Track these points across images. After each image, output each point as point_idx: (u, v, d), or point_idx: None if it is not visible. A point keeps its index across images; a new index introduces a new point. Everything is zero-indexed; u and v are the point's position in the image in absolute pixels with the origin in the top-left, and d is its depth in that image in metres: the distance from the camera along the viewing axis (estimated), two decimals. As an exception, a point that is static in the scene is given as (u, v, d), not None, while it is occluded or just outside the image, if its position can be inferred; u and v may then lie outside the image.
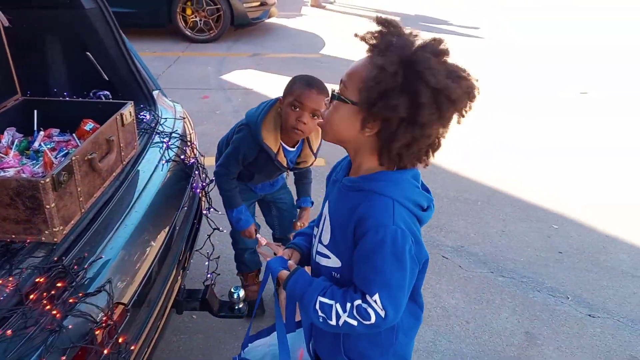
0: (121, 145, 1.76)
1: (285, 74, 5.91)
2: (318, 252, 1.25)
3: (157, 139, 2.13)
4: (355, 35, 1.14)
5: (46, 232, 1.35)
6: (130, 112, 1.82)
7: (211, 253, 2.26)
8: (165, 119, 2.29)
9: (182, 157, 2.10)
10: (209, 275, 2.20)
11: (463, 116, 1.07)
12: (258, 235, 2.23)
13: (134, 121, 1.87)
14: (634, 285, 2.69)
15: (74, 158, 1.45)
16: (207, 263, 2.25)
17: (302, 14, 8.93)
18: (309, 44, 7.19)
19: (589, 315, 2.48)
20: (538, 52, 7.00)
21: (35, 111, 1.96)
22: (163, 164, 1.99)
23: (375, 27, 1.12)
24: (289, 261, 1.28)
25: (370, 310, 1.09)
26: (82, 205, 1.52)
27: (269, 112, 2.03)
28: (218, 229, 2.33)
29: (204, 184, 2.27)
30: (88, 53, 2.22)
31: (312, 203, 2.39)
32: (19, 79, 2.00)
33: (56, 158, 1.70)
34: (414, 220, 1.12)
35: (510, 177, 3.71)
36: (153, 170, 1.92)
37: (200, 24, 6.97)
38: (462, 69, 1.07)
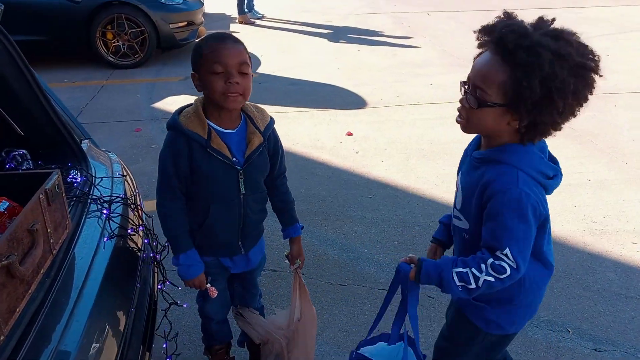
0: (49, 230, 1.35)
1: (223, 97, 5.52)
2: (454, 216, 1.50)
3: (93, 207, 1.72)
4: (477, 40, 1.30)
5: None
6: (57, 185, 1.41)
7: (169, 332, 1.88)
8: (101, 178, 1.88)
9: (128, 229, 1.70)
10: None
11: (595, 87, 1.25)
12: (208, 285, 1.84)
13: (63, 195, 1.46)
14: (630, 307, 2.55)
15: (-18, 271, 1.04)
16: (165, 345, 1.87)
17: (231, 32, 8.54)
18: (243, 63, 6.81)
19: (595, 349, 2.30)
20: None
21: None
22: (105, 242, 1.59)
23: (491, 26, 1.26)
24: (409, 255, 1.48)
25: (504, 264, 1.28)
26: (0, 331, 1.11)
27: (185, 107, 1.69)
28: (176, 303, 1.94)
29: (157, 253, 1.88)
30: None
31: (303, 227, 1.96)
32: None
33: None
34: (539, 188, 1.30)
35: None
36: (93, 253, 1.51)
37: (124, 48, 6.42)
38: (584, 44, 1.23)
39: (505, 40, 1.20)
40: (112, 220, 1.65)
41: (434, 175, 3.83)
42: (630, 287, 2.69)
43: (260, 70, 6.47)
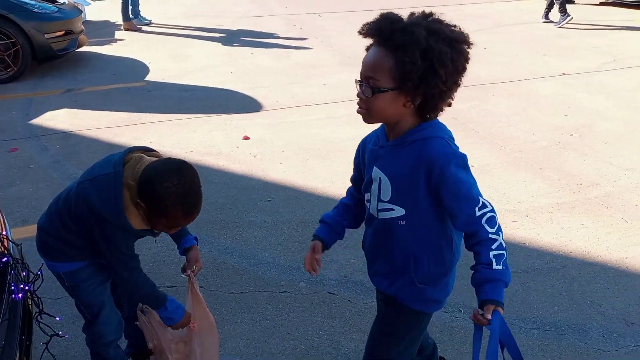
0: None
1: (110, 108, 5.24)
2: (380, 210, 1.51)
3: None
4: (359, 32, 1.39)
5: None
6: None
7: (53, 367, 1.74)
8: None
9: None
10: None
11: (469, 58, 1.38)
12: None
13: None
14: (513, 282, 2.71)
15: None
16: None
17: (117, 40, 8.12)
18: (131, 71, 6.51)
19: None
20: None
21: None
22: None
23: (371, 21, 1.37)
24: (477, 312, 1.37)
25: (489, 213, 1.39)
26: None
27: (125, 198, 1.61)
28: (57, 334, 1.80)
29: (28, 284, 1.72)
30: None
31: (197, 239, 1.98)
32: None
33: None
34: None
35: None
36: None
37: (-6, 62, 5.88)
38: (452, 24, 1.39)
39: (382, 28, 1.33)
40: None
41: (330, 174, 3.88)
42: (512, 262, 2.86)
43: (148, 78, 6.22)
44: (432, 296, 1.58)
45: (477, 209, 1.38)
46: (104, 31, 8.54)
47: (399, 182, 1.45)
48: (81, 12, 7.07)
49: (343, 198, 1.77)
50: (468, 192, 1.39)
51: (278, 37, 8.18)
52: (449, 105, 1.44)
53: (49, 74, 6.34)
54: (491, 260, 1.36)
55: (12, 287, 1.65)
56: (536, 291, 2.70)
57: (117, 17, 8.85)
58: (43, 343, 1.78)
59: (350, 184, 1.75)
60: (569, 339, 2.40)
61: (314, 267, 1.67)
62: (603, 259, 2.94)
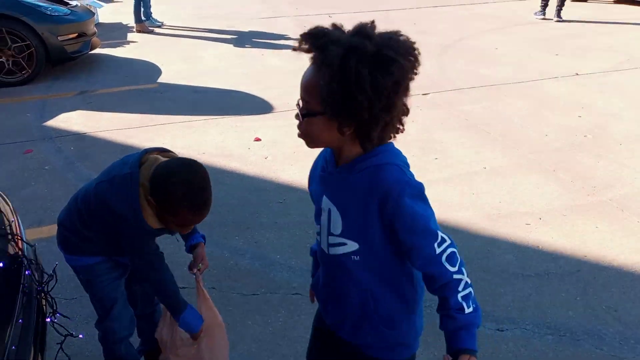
0: None
1: (123, 110, 5.27)
2: (330, 244, 1.33)
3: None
4: (294, 49, 1.19)
5: None
6: None
7: (67, 366, 1.76)
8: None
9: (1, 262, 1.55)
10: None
11: (406, 79, 1.16)
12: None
13: None
14: (527, 286, 2.71)
15: None
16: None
17: (129, 42, 8.18)
18: (144, 73, 6.55)
19: (498, 329, 2.42)
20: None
21: None
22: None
23: (305, 35, 1.17)
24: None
25: (449, 249, 1.23)
26: None
27: (141, 199, 1.64)
28: (71, 334, 1.82)
29: (42, 284, 1.74)
30: None
31: (204, 237, 1.99)
32: None
33: None
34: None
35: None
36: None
37: (8, 64, 5.95)
38: (396, 39, 1.16)
39: (307, 43, 1.16)
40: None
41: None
42: (526, 266, 2.86)
43: (161, 79, 6.25)
44: (399, 339, 1.39)
45: (436, 245, 1.22)
46: (116, 33, 8.61)
47: (350, 213, 1.27)
48: (94, 14, 7.14)
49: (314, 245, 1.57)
50: (425, 226, 1.22)
51: (289, 38, 8.18)
52: (398, 132, 1.25)
53: (63, 76, 6.40)
54: (461, 304, 1.23)
55: (26, 288, 1.66)
56: (550, 295, 2.67)
57: (129, 19, 8.92)
58: (57, 343, 1.80)
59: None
60: (585, 345, 2.37)
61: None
62: (619, 263, 2.90)
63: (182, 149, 4.31)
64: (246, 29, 8.81)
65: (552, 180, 3.76)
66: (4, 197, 1.95)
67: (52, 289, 1.80)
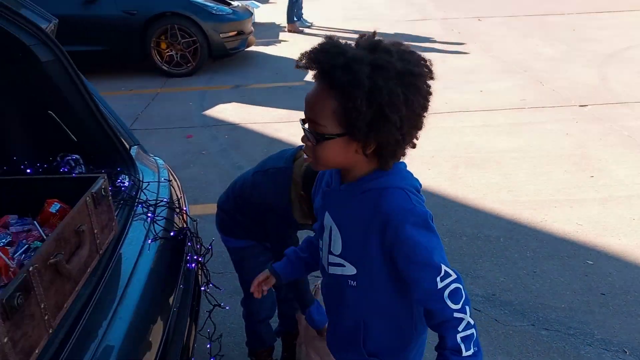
0: (95, 231, 1.40)
1: (272, 105, 5.60)
2: (330, 263, 1.28)
3: (139, 209, 1.78)
4: (296, 66, 1.14)
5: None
6: (103, 189, 1.46)
7: (213, 332, 1.91)
8: (148, 183, 1.94)
9: (172, 231, 1.74)
10: (212, 360, 1.84)
11: (431, 94, 1.12)
12: None
13: (109, 198, 1.51)
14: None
15: (31, 268, 1.09)
16: (209, 345, 1.90)
17: (280, 40, 8.67)
18: (292, 71, 6.84)
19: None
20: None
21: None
22: (149, 244, 1.63)
23: (309, 50, 1.12)
24: None
25: (453, 284, 1.13)
26: (49, 324, 1.15)
27: (292, 192, 1.74)
28: (219, 305, 1.97)
29: (200, 256, 1.92)
30: (51, 112, 1.86)
31: None
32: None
33: (14, 258, 1.33)
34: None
35: (530, 208, 3.41)
36: (138, 254, 1.56)
37: (177, 57, 6.65)
38: (408, 51, 1.11)
39: (319, 62, 1.08)
40: (157, 223, 1.69)
41: (482, 185, 3.73)
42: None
43: (307, 78, 6.52)
44: None
45: (438, 279, 1.12)
46: (269, 32, 9.16)
47: (350, 235, 1.21)
48: (252, 14, 7.66)
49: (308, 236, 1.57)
50: (427, 257, 1.13)
51: (434, 42, 8.06)
52: (413, 147, 1.18)
53: (221, 70, 6.98)
54: (459, 345, 1.12)
55: (188, 257, 1.85)
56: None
57: (281, 20, 9.45)
58: (206, 311, 1.97)
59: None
60: None
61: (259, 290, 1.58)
62: None
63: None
64: (392, 31, 8.83)
65: None
66: (175, 177, 2.17)
67: (207, 261, 1.97)
